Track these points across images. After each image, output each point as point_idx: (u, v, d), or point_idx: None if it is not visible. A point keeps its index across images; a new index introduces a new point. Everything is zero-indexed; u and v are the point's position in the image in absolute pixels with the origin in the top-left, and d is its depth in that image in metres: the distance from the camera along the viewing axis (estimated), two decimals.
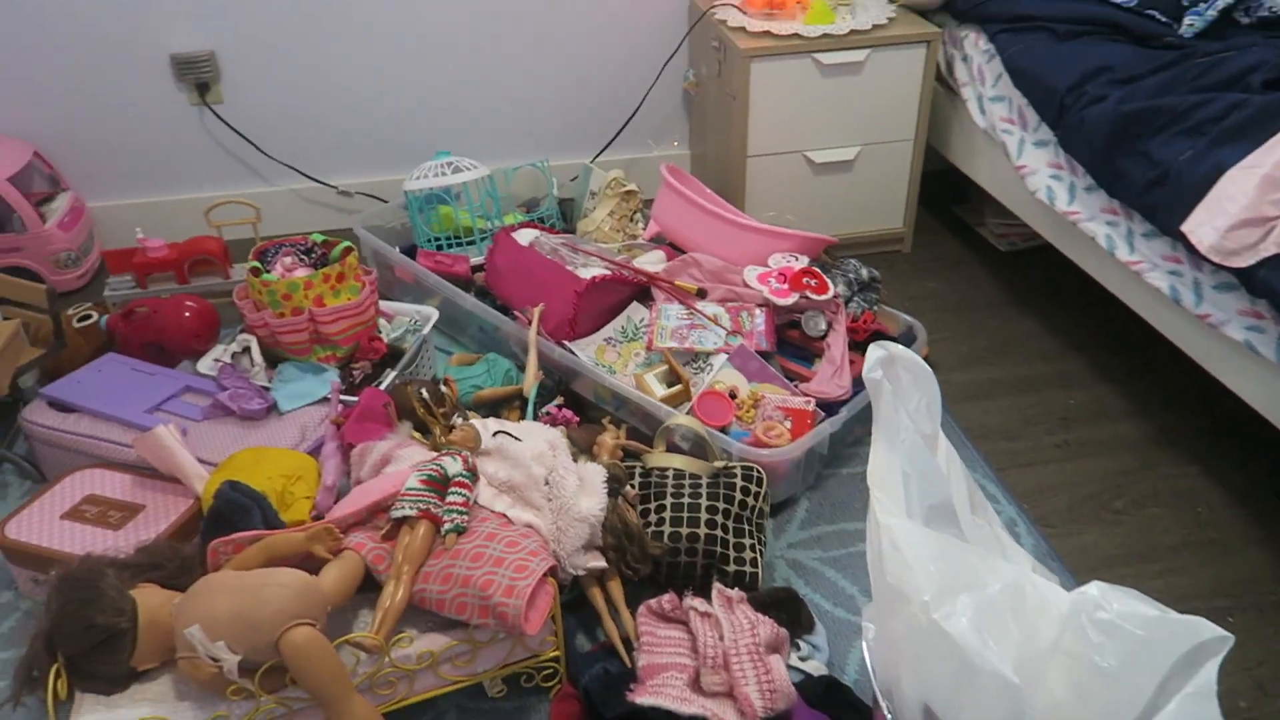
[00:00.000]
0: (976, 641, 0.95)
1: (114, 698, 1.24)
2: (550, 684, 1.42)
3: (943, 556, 1.01)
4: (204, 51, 2.46)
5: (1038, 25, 2.20)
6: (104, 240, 2.60)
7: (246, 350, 1.88)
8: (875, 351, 1.13)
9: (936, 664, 0.99)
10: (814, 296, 1.94)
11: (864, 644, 1.20)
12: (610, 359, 1.96)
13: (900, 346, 1.14)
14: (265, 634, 1.20)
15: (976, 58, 2.32)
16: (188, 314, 1.97)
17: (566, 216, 2.53)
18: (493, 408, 1.86)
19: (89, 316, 2.06)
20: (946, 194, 2.79)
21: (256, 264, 1.87)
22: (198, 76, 2.48)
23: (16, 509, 1.60)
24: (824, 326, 1.96)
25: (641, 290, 2.05)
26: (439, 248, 2.35)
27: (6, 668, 1.48)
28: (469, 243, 2.36)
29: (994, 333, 2.28)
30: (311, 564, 1.34)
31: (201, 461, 1.64)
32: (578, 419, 1.82)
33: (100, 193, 2.59)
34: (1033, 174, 2.10)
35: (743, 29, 2.37)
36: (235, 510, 1.46)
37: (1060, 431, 1.97)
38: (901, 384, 1.14)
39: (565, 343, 1.95)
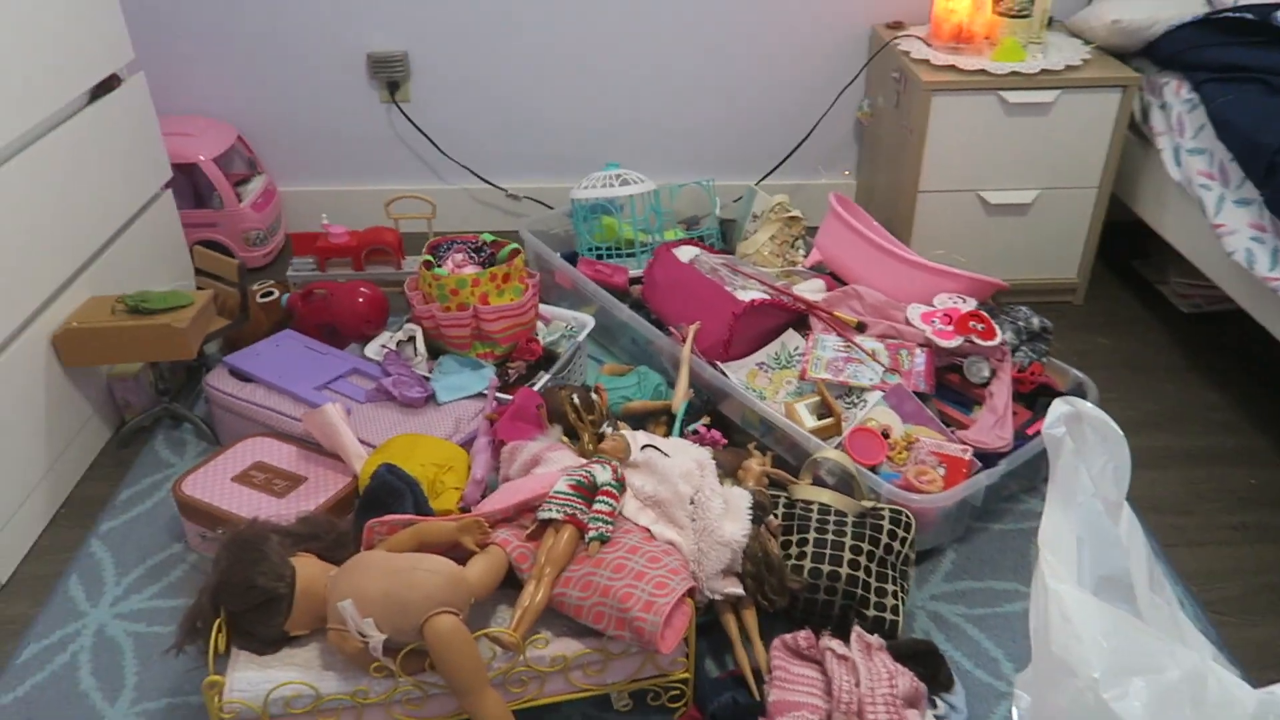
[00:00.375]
0: None
1: (266, 658, 1.30)
2: (676, 705, 1.41)
3: (1117, 633, 0.95)
4: (398, 52, 2.59)
5: (1250, 77, 2.06)
6: (289, 223, 2.76)
7: (411, 340, 1.95)
8: (1060, 407, 1.08)
9: None
10: (980, 341, 1.87)
11: (1014, 712, 1.13)
12: (761, 384, 1.94)
13: (1089, 404, 1.08)
14: (411, 617, 1.23)
15: (1177, 106, 2.19)
16: (361, 300, 2.07)
17: (726, 237, 2.52)
18: (639, 420, 1.87)
19: (271, 293, 2.19)
20: (1127, 247, 2.64)
21: (429, 258, 1.95)
22: (390, 75, 2.60)
23: (193, 467, 1.70)
24: (987, 374, 1.88)
25: (799, 318, 2.02)
26: (599, 257, 2.38)
27: (172, 615, 1.58)
28: (629, 255, 2.39)
29: (1170, 398, 2.14)
30: (457, 554, 1.37)
31: (361, 442, 1.71)
32: (725, 440, 1.81)
33: (291, 178, 2.75)
34: (1231, 234, 1.97)
35: (926, 61, 2.32)
36: (389, 492, 1.51)
37: (1238, 512, 1.82)
38: (1087, 444, 1.08)
39: (718, 363, 1.95)
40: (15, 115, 1.70)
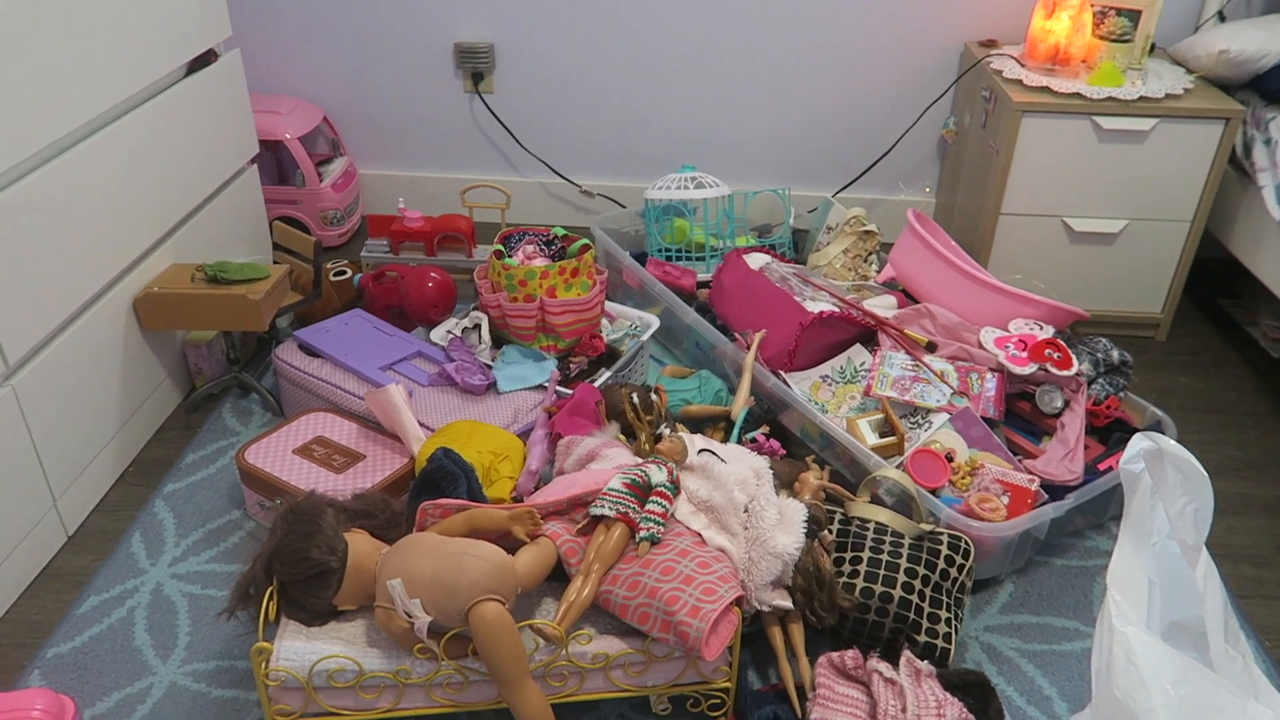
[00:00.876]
0: None
1: (313, 630, 1.31)
2: (715, 714, 1.39)
3: (1185, 681, 0.91)
4: (485, 43, 2.61)
5: None
6: (367, 204, 2.81)
7: (477, 327, 1.96)
8: (1141, 442, 1.03)
9: None
10: (1055, 370, 1.81)
11: None
12: (824, 397, 1.91)
13: (1173, 442, 1.03)
14: (458, 601, 1.23)
15: None
16: (430, 284, 2.08)
17: (799, 247, 2.49)
18: (698, 424, 1.86)
19: (344, 273, 2.22)
20: (1216, 285, 2.55)
21: (500, 247, 1.96)
22: (475, 66, 2.63)
23: (256, 437, 1.74)
24: (1060, 404, 1.82)
25: (867, 334, 1.98)
26: (669, 258, 2.37)
27: (227, 579, 1.61)
28: (698, 258, 2.38)
29: (1252, 445, 2.05)
30: (507, 543, 1.37)
31: (421, 424, 1.73)
32: (784, 451, 1.78)
33: (371, 161, 2.80)
34: None
35: (1019, 82, 2.26)
36: (445, 477, 1.52)
37: None
38: (1167, 483, 1.03)
39: (781, 373, 1.92)
40: (115, 84, 1.75)
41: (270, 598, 1.29)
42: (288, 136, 2.49)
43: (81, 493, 1.74)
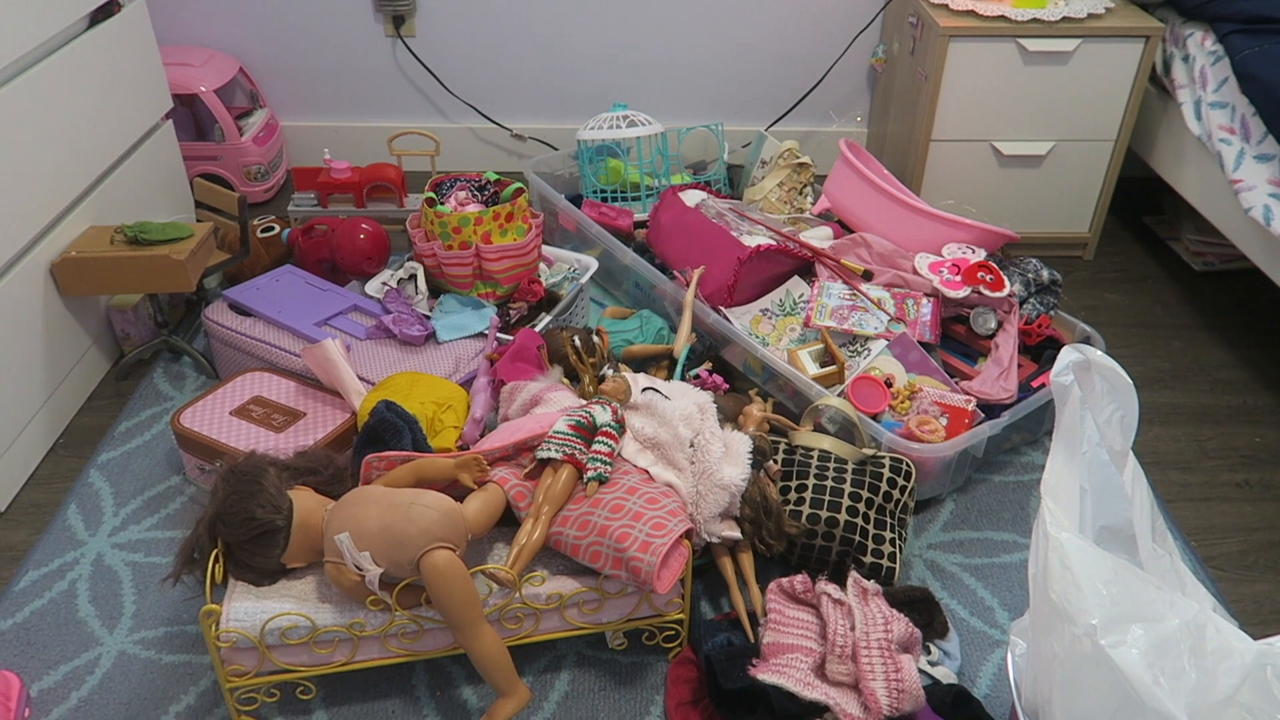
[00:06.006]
0: (1146, 677, 0.88)
1: (263, 589, 1.30)
2: (670, 645, 1.42)
3: (1117, 581, 0.94)
4: None
5: (1278, 29, 2.01)
6: (291, 158, 2.72)
7: (413, 278, 1.93)
8: (1070, 354, 1.06)
9: (1096, 693, 0.92)
10: (988, 293, 1.84)
11: (1009, 658, 1.13)
12: (764, 331, 1.92)
13: (1098, 352, 1.06)
14: (408, 551, 1.23)
15: (1200, 58, 2.14)
16: (362, 236, 2.04)
17: (734, 183, 2.49)
18: (641, 364, 1.86)
19: (272, 229, 2.16)
20: (1140, 202, 2.61)
21: (432, 195, 1.92)
22: (395, 9, 2.54)
23: (191, 400, 1.70)
24: (994, 325, 1.86)
25: (804, 265, 2.00)
26: (604, 200, 2.35)
27: (170, 545, 1.58)
28: (634, 198, 2.36)
29: (1177, 356, 2.12)
30: (456, 491, 1.37)
31: (360, 379, 1.70)
32: (727, 386, 1.79)
33: (293, 112, 2.70)
34: (1249, 190, 1.93)
35: (945, 6, 2.26)
36: (388, 429, 1.51)
37: (1242, 470, 1.81)
38: (1095, 392, 1.06)
39: (721, 308, 1.93)
40: (12, 38, 1.66)
41: (216, 560, 1.27)
42: (203, 89, 2.40)
43: (10, 467, 1.68)
